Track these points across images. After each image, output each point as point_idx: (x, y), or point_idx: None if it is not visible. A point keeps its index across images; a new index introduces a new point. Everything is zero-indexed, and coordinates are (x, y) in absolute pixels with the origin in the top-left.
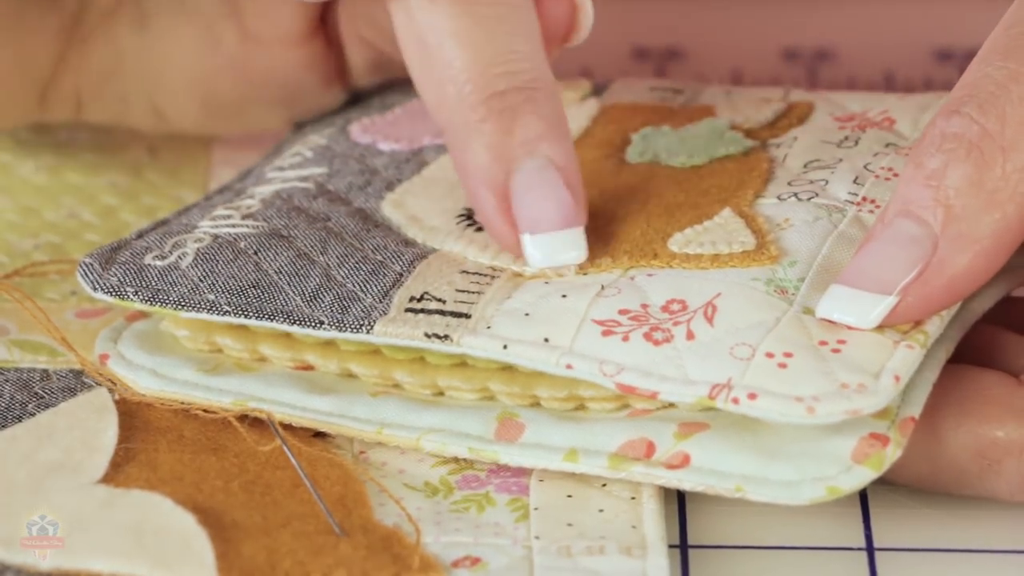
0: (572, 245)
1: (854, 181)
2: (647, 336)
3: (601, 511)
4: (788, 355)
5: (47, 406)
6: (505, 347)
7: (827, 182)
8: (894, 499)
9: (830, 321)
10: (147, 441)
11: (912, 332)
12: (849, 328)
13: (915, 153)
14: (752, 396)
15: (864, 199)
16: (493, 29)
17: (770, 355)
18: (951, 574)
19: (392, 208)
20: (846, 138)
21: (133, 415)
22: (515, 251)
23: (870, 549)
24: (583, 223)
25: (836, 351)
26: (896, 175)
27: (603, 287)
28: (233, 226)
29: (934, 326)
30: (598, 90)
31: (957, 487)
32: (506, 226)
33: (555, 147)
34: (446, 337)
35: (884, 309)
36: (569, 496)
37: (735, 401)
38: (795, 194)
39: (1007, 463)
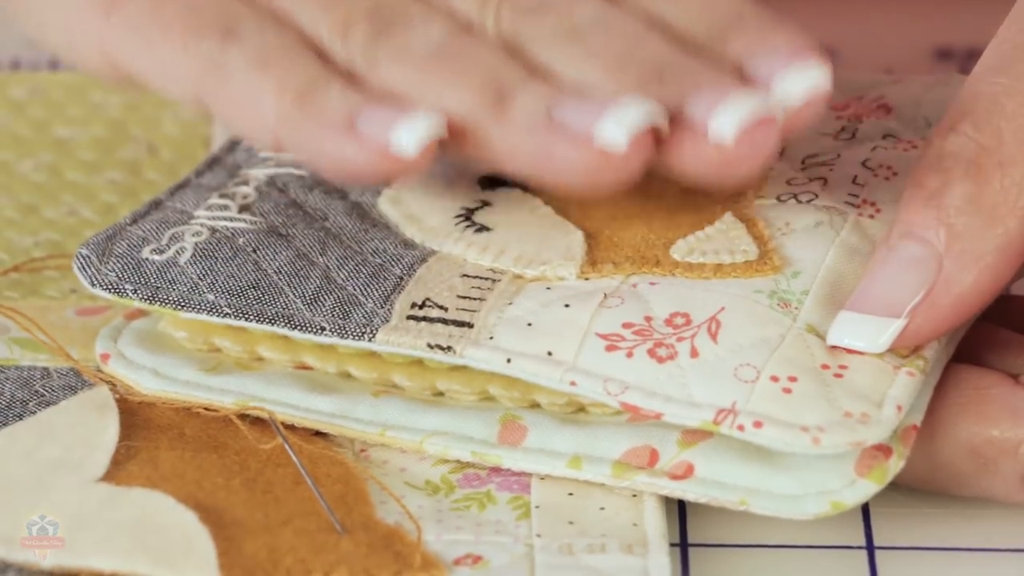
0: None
1: (853, 181)
2: (651, 353)
3: (602, 509)
4: (792, 379)
5: (48, 404)
6: (509, 361)
7: (826, 181)
8: (894, 498)
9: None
10: (148, 439)
11: (912, 358)
12: (850, 352)
13: (914, 174)
14: (757, 424)
15: (864, 201)
16: None
17: (775, 379)
18: (951, 573)
19: (389, 205)
20: (843, 128)
21: (134, 413)
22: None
23: (870, 548)
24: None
25: (838, 376)
26: (895, 174)
27: (605, 296)
28: (230, 219)
29: (932, 351)
30: None
31: (955, 487)
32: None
33: None
34: (449, 348)
35: (893, 332)
36: (570, 494)
37: (740, 428)
38: (795, 195)
39: (1003, 462)
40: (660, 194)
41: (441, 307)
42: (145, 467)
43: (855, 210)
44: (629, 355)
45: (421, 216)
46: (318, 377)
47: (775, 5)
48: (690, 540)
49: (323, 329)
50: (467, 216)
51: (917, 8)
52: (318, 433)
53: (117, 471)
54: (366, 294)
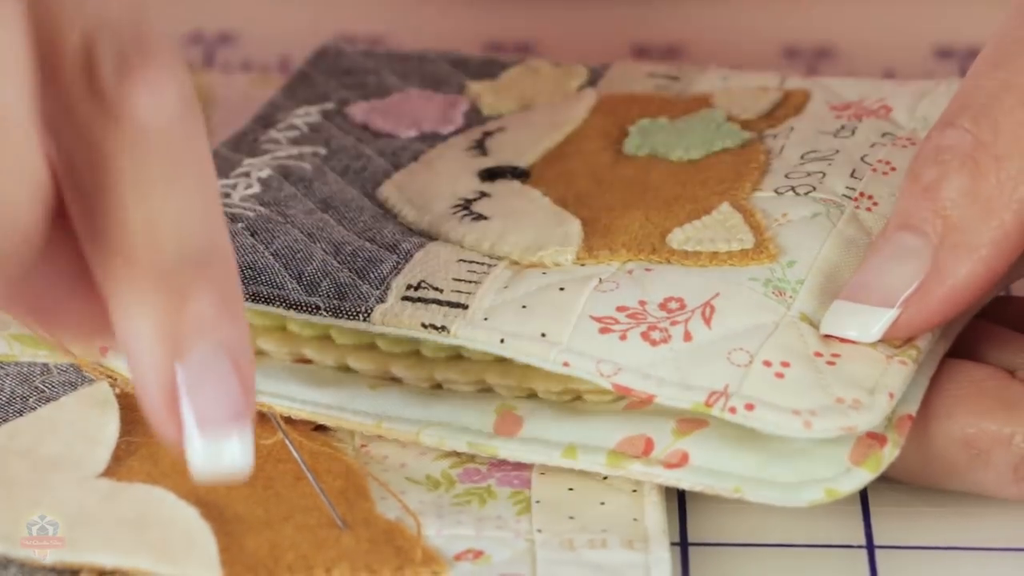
0: (238, 446)
1: (851, 175)
2: (645, 335)
3: (603, 504)
4: (785, 364)
5: (48, 400)
6: (503, 341)
7: (824, 175)
8: (894, 497)
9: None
10: (149, 434)
11: (904, 348)
12: (843, 341)
13: (912, 166)
14: (749, 407)
15: (861, 194)
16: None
17: (767, 363)
18: (951, 572)
19: (390, 193)
20: (843, 127)
21: (134, 408)
22: (179, 448)
23: (870, 547)
24: (250, 419)
25: (831, 363)
26: (893, 169)
27: (601, 280)
28: (230, 207)
29: (925, 341)
30: (595, 76)
31: (946, 479)
32: (172, 421)
33: (229, 329)
34: (443, 328)
35: (886, 322)
36: (571, 489)
37: (732, 411)
38: (792, 188)
39: (996, 453)
40: (658, 185)
41: (436, 288)
42: (146, 463)
43: (852, 203)
44: (623, 337)
45: (420, 205)
46: (317, 370)
47: (777, 4)
48: (690, 539)
49: (318, 309)
50: (465, 206)
51: (917, 8)
52: (318, 429)
53: (118, 467)
54: (363, 276)
